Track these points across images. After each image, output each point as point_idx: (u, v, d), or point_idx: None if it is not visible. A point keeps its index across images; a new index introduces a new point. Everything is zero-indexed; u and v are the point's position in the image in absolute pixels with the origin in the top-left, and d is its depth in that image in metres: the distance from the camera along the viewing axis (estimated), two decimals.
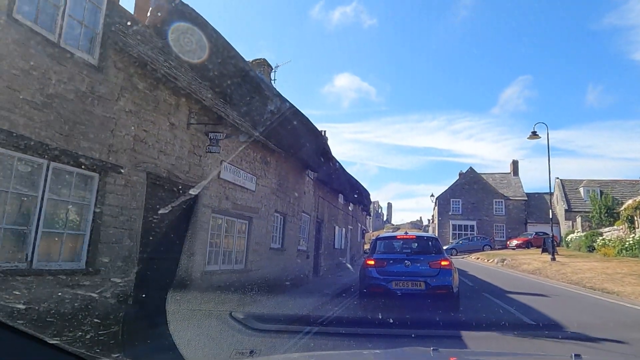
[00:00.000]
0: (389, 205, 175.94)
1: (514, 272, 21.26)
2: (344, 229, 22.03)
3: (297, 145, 11.64)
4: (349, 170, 23.75)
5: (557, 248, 28.04)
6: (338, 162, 17.92)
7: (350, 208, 24.62)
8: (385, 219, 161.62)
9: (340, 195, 20.95)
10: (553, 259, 21.51)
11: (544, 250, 28.43)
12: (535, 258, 25.04)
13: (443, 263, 8.43)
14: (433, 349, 2.20)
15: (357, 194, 24.39)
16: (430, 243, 9.46)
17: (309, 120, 12.72)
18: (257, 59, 18.04)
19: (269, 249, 10.99)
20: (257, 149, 9.92)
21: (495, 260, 27.47)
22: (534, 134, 22.76)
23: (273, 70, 20.18)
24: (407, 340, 5.25)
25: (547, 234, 39.46)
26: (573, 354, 1.93)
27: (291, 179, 12.56)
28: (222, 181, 8.37)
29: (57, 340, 1.18)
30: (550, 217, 22.77)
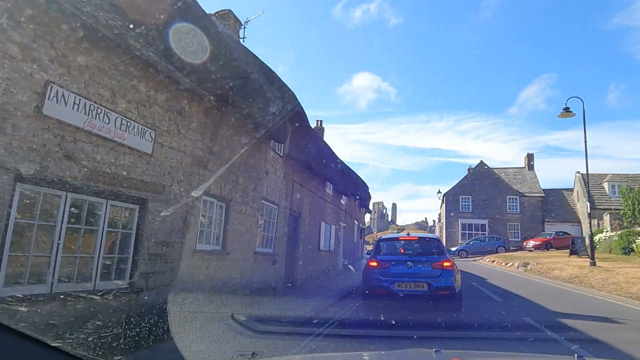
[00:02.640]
0: (394, 206, 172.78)
1: (545, 280, 17.09)
2: (333, 227, 17.94)
3: (245, 94, 7.62)
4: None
5: (584, 250, 23.83)
6: (322, 140, 13.90)
7: (342, 201, 20.55)
8: (389, 219, 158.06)
9: (328, 184, 16.89)
10: (593, 263, 17.32)
11: (573, 252, 24.31)
12: (565, 262, 20.86)
13: (445, 264, 8.42)
14: (435, 350, 2.13)
15: (351, 185, 20.32)
16: (432, 244, 9.47)
17: (263, 64, 8.76)
18: (220, 10, 14.23)
19: (193, 251, 6.97)
20: (156, 83, 5.90)
21: (516, 265, 23.30)
22: (567, 111, 18.61)
23: (242, 27, 16.32)
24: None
25: (569, 234, 35.43)
26: (576, 355, 1.89)
27: (239, 148, 8.54)
28: (54, 122, 4.35)
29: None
30: (588, 211, 18.51)
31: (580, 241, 24.71)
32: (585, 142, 18.32)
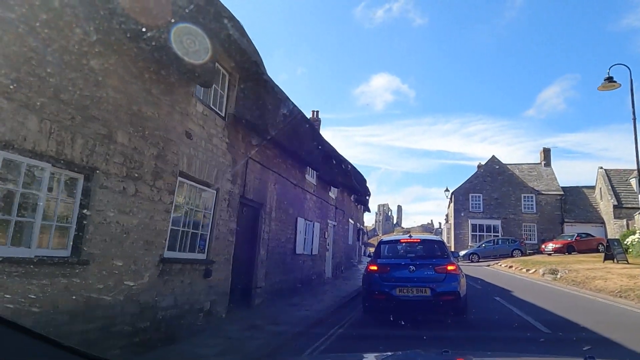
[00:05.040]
0: (399, 208, 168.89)
1: (587, 293, 13.35)
2: (317, 224, 14.31)
3: None
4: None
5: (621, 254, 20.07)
6: (297, 108, 10.33)
7: (332, 195, 16.92)
8: (395, 222, 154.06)
9: (309, 169, 13.30)
10: None
11: (608, 257, 20.53)
12: (604, 269, 17.12)
13: (449, 268, 7.99)
14: (443, 351, 2.11)
15: (343, 175, 16.70)
16: (435, 246, 9.07)
17: None
18: None
19: None
20: None
21: (541, 272, 19.55)
22: (610, 81, 14.94)
23: None
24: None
25: (593, 236, 31.65)
26: (587, 355, 1.86)
27: (116, 82, 4.96)
28: None
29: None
30: (639, 204, 14.64)
31: (617, 244, 20.93)
32: (634, 112, 14.54)
